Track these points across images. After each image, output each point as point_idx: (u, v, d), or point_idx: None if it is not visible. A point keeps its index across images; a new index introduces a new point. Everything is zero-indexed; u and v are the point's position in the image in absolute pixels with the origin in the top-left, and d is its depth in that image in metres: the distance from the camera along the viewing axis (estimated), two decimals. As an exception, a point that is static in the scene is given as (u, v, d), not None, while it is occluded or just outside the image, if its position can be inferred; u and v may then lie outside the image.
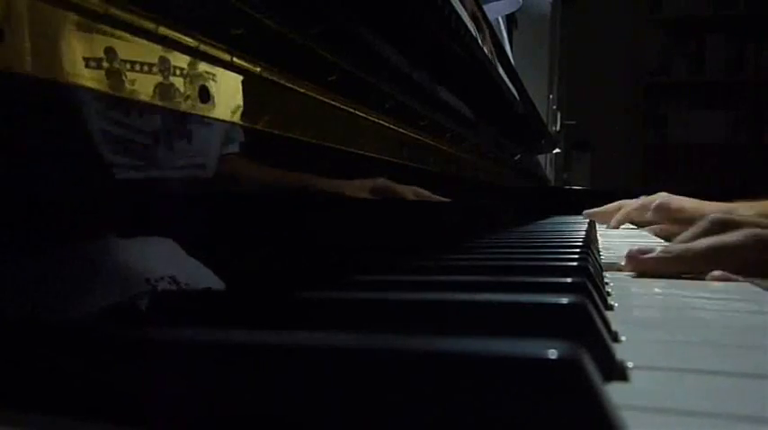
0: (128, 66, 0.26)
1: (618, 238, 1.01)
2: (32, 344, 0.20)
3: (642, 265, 0.56)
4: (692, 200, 1.06)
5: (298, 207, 0.39)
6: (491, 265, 0.50)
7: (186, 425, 0.17)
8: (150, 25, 0.27)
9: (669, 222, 1.02)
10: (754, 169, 3.20)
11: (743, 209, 0.96)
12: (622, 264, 0.57)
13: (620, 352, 0.24)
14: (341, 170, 0.46)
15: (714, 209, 1.00)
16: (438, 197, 0.69)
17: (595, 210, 1.31)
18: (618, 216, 1.21)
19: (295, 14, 0.38)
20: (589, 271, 0.40)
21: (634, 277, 0.53)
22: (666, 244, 0.88)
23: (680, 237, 0.67)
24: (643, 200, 1.13)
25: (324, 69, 0.42)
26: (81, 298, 0.23)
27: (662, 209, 1.03)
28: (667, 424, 0.18)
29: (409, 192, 0.58)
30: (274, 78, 0.36)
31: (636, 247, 0.56)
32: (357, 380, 0.16)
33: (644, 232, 1.09)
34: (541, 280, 0.35)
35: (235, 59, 0.33)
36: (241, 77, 0.33)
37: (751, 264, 0.58)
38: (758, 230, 0.62)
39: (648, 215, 1.06)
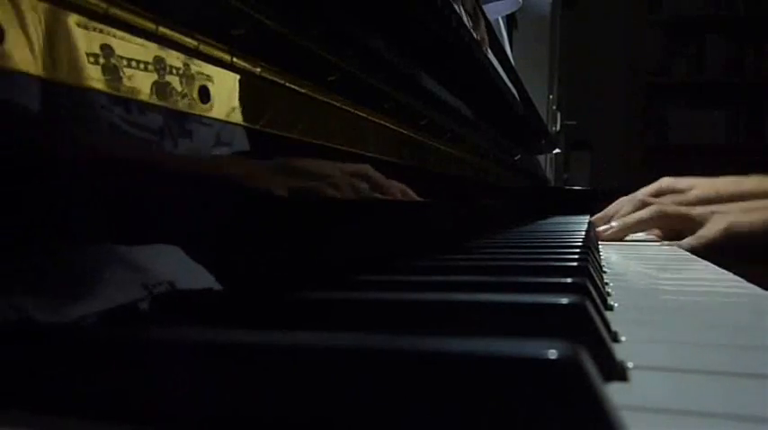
0: (127, 65, 0.26)
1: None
2: (32, 346, 0.20)
3: (603, 236, 0.92)
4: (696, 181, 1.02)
5: (297, 207, 0.39)
6: (491, 265, 0.50)
7: (186, 424, 0.17)
8: (150, 25, 0.27)
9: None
10: (754, 169, 3.19)
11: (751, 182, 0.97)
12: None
13: (620, 352, 0.24)
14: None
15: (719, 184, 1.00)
16: (438, 197, 0.69)
17: (597, 216, 1.24)
18: (618, 225, 1.00)
19: (295, 14, 0.38)
20: (589, 271, 0.40)
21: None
22: (670, 244, 0.88)
23: (620, 212, 0.99)
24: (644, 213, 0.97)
25: (324, 69, 0.42)
26: (75, 303, 0.23)
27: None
28: (667, 424, 0.18)
29: (395, 188, 0.58)
30: (274, 78, 0.37)
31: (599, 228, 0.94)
32: (356, 380, 0.16)
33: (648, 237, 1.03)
34: (541, 280, 0.35)
35: (235, 60, 0.33)
36: (241, 78, 0.33)
37: (665, 231, 0.92)
38: (662, 207, 0.93)
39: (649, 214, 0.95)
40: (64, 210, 0.23)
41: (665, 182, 1.09)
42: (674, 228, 0.94)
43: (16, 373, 0.19)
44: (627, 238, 0.96)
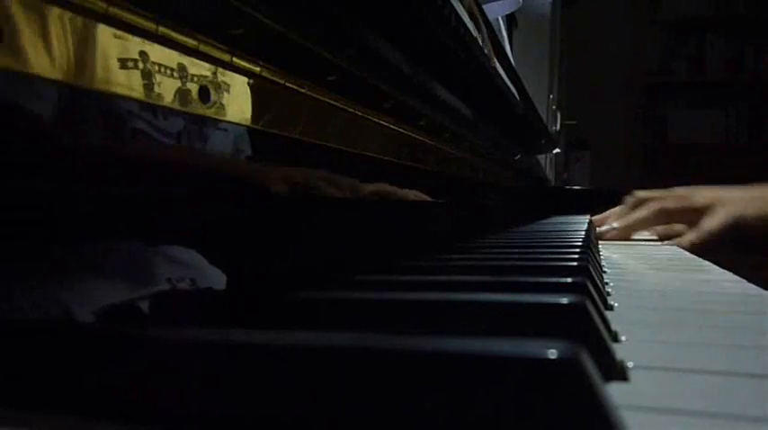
0: (126, 65, 0.26)
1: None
2: (32, 345, 0.20)
3: (605, 237, 0.94)
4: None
5: (297, 207, 0.39)
6: (491, 265, 0.50)
7: (186, 424, 0.17)
8: (150, 25, 0.27)
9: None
10: (754, 169, 3.19)
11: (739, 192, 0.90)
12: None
13: (620, 352, 0.24)
14: (341, 170, 0.46)
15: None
16: (438, 197, 0.69)
17: (598, 217, 1.22)
18: (621, 224, 0.97)
19: (295, 14, 0.38)
20: (589, 271, 0.40)
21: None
22: (671, 244, 0.86)
23: (616, 212, 1.01)
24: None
25: (324, 69, 0.42)
26: (75, 303, 0.23)
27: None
28: (667, 424, 0.18)
29: (411, 195, 0.59)
30: (274, 78, 0.36)
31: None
32: (356, 379, 0.16)
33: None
34: (542, 280, 0.35)
35: (234, 60, 0.33)
36: (241, 78, 0.33)
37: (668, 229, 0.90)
38: (664, 203, 0.91)
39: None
40: (68, 210, 0.23)
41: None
42: (674, 224, 0.92)
43: (16, 373, 0.19)
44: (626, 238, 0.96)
